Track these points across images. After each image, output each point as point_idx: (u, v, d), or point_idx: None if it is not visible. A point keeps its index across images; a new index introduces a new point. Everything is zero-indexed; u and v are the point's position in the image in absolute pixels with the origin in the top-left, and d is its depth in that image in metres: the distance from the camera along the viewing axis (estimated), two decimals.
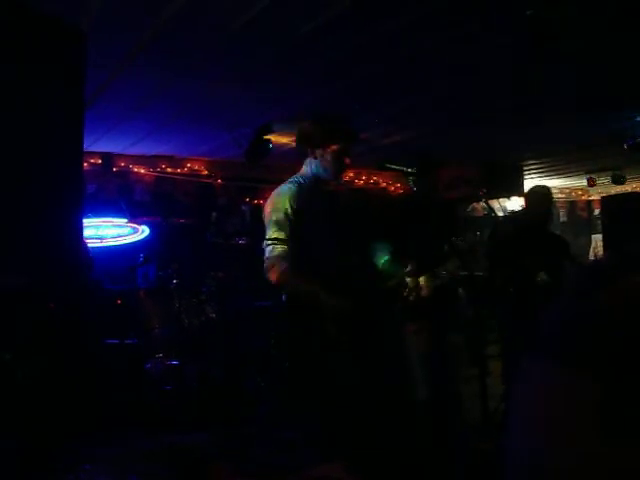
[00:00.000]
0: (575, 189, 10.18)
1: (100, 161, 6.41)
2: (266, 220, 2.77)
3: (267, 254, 2.70)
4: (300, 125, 2.86)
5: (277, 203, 2.74)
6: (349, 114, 3.03)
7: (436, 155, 3.55)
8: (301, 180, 2.82)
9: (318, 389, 2.77)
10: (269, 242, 2.71)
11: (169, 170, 7.00)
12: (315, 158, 2.81)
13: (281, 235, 2.70)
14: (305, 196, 2.75)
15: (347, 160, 2.82)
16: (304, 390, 2.95)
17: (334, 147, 2.75)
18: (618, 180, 7.89)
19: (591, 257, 7.13)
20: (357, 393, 2.64)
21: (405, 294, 3.16)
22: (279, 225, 2.71)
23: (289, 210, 2.70)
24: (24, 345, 2.10)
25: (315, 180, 2.82)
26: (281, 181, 2.91)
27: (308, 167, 2.84)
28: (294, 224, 2.70)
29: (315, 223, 2.75)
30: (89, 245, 5.35)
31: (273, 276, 2.67)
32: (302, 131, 2.86)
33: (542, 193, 4.30)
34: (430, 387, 3.24)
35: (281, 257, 2.68)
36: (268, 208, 2.78)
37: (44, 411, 2.16)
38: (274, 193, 2.81)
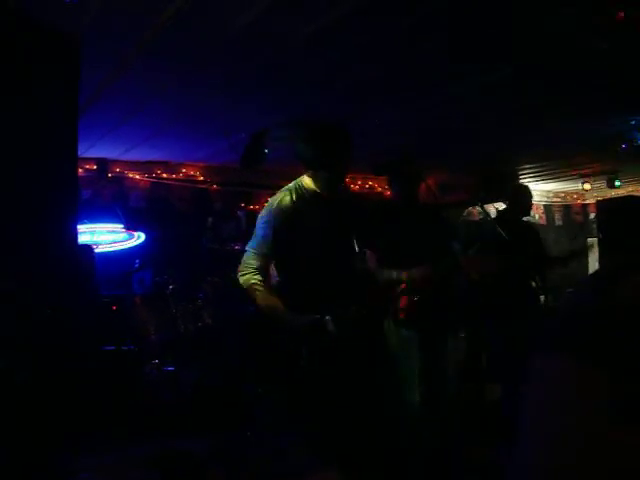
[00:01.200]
0: (570, 193, 10.18)
1: (95, 167, 6.39)
2: (256, 226, 2.78)
3: (245, 258, 2.77)
4: (298, 139, 2.82)
5: (269, 214, 2.73)
6: (347, 119, 2.99)
7: (432, 159, 3.53)
8: (298, 188, 2.79)
9: (297, 399, 2.79)
10: (250, 250, 2.76)
11: (164, 176, 6.98)
12: (309, 177, 2.79)
13: (262, 248, 2.72)
14: (299, 205, 2.73)
15: (338, 186, 2.80)
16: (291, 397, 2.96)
17: (324, 174, 2.73)
18: (613, 184, 7.91)
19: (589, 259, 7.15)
20: (335, 406, 2.60)
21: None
22: (265, 237, 2.72)
23: (278, 222, 2.68)
24: (21, 350, 2.08)
25: (312, 190, 2.80)
26: (278, 187, 2.89)
27: (306, 177, 2.82)
28: (283, 235, 2.69)
29: (307, 232, 2.72)
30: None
31: (243, 282, 2.75)
32: (296, 149, 2.82)
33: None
34: (424, 390, 3.23)
35: (257, 269, 2.72)
36: (261, 215, 2.79)
37: (41, 418, 2.15)
38: (269, 202, 2.79)
